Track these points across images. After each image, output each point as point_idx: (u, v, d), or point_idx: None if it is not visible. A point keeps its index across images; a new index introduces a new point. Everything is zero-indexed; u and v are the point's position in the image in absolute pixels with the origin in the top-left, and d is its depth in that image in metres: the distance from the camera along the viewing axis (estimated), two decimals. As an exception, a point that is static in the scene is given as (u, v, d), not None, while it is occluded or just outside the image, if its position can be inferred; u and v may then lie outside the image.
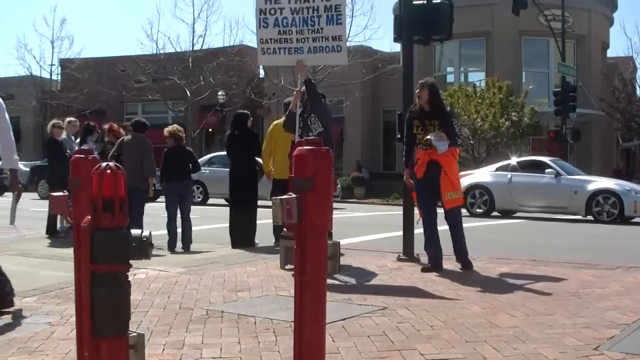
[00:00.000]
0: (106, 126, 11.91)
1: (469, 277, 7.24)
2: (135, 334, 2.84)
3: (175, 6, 78.39)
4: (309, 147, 3.23)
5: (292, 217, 3.13)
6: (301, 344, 3.19)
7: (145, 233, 2.75)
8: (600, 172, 36.25)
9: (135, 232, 2.76)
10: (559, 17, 29.35)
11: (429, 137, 7.51)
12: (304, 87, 8.24)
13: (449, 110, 8.16)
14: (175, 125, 10.85)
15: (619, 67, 39.21)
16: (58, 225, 11.53)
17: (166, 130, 10.50)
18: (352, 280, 7.08)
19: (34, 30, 66.50)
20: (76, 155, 4.09)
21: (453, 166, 7.77)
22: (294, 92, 8.56)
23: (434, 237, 7.79)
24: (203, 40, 43.31)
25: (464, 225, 7.96)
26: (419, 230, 8.22)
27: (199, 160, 12.73)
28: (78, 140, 12.00)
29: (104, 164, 2.78)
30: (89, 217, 2.75)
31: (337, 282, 6.90)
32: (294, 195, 3.14)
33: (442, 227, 7.90)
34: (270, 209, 3.27)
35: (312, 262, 3.18)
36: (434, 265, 7.67)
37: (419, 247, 8.24)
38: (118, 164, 2.83)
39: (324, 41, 8.05)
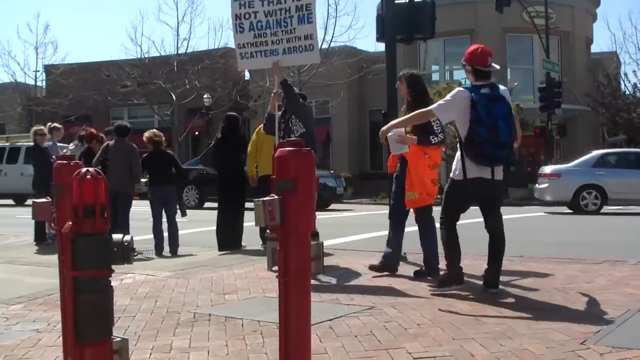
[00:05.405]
0: (83, 132, 11.82)
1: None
2: (119, 338, 2.83)
3: (159, 10, 78.61)
4: (290, 149, 3.21)
5: (274, 218, 3.12)
6: (287, 345, 3.18)
7: (127, 238, 2.75)
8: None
9: (116, 237, 2.75)
10: (542, 14, 29.52)
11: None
12: (281, 89, 8.26)
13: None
14: (152, 130, 10.71)
15: (603, 63, 39.44)
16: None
17: (145, 136, 10.46)
18: (340, 281, 7.07)
19: (17, 37, 66.36)
20: (59, 162, 4.06)
21: (418, 165, 7.14)
22: (271, 95, 8.57)
23: (398, 246, 7.51)
24: (187, 44, 43.42)
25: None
26: (407, 229, 8.15)
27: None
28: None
29: (84, 169, 2.77)
30: (70, 222, 2.75)
31: (324, 282, 6.91)
32: (276, 197, 3.14)
33: (411, 229, 7.56)
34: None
35: (296, 263, 3.17)
36: (385, 267, 7.43)
37: (405, 246, 8.23)
38: (98, 170, 2.82)
39: (297, 41, 8.06)
